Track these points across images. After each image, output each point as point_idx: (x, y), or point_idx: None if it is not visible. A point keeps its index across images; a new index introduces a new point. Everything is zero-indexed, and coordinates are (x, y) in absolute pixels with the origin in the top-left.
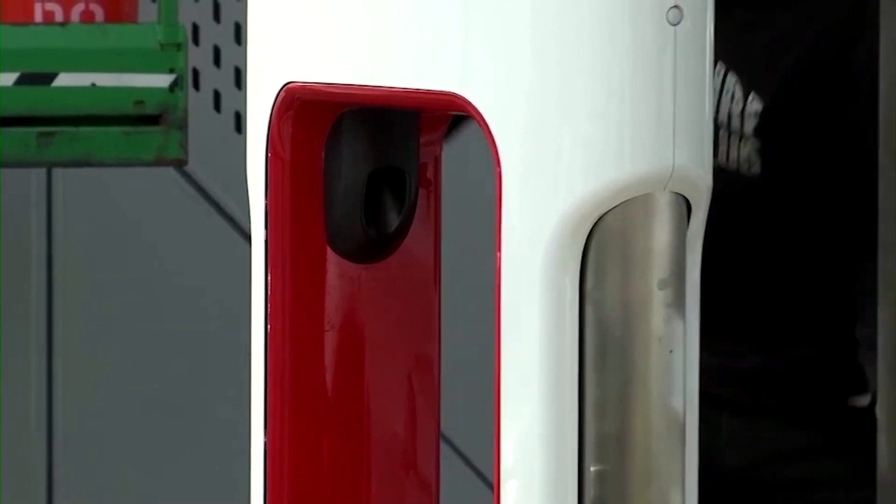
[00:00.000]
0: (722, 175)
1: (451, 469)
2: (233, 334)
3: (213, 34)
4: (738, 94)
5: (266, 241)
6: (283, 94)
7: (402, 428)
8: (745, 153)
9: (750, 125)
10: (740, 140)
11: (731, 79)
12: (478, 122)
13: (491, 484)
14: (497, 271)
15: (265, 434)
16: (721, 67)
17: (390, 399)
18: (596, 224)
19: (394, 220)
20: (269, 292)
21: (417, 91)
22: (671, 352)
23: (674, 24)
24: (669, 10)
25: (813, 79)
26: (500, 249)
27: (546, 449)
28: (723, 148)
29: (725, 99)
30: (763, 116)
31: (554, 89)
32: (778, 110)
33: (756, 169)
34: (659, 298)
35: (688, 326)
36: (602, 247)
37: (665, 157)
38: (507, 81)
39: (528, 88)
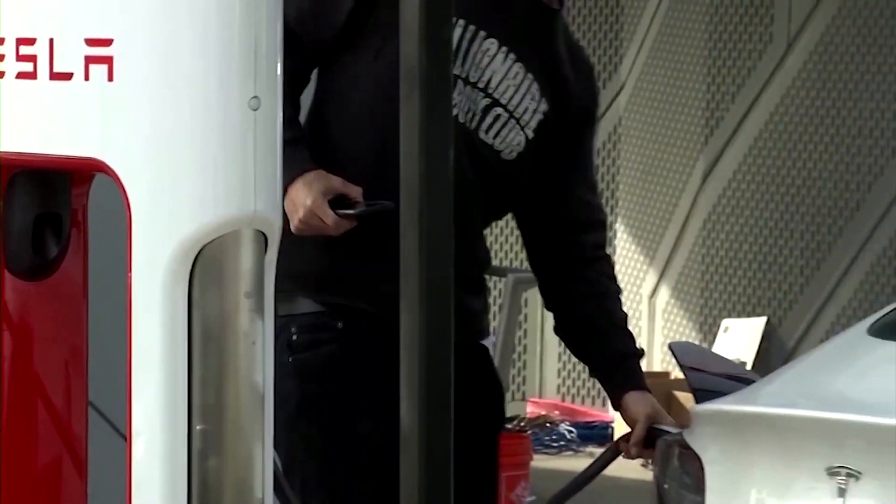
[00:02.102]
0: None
1: (97, 428)
2: None
3: None
4: (537, 95)
5: None
6: None
7: (60, 399)
8: (521, 139)
9: (535, 121)
10: (523, 129)
11: (535, 84)
12: (113, 179)
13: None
14: (129, 284)
15: None
16: (527, 72)
17: (52, 378)
18: (200, 251)
19: (53, 250)
20: None
21: (67, 157)
22: (254, 343)
23: (254, 110)
24: (251, 99)
25: None
26: (130, 269)
27: (164, 413)
28: (511, 132)
29: (527, 98)
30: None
31: (168, 158)
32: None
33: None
34: (245, 305)
35: (265, 325)
36: (205, 267)
37: (248, 204)
38: (135, 152)
39: (150, 157)
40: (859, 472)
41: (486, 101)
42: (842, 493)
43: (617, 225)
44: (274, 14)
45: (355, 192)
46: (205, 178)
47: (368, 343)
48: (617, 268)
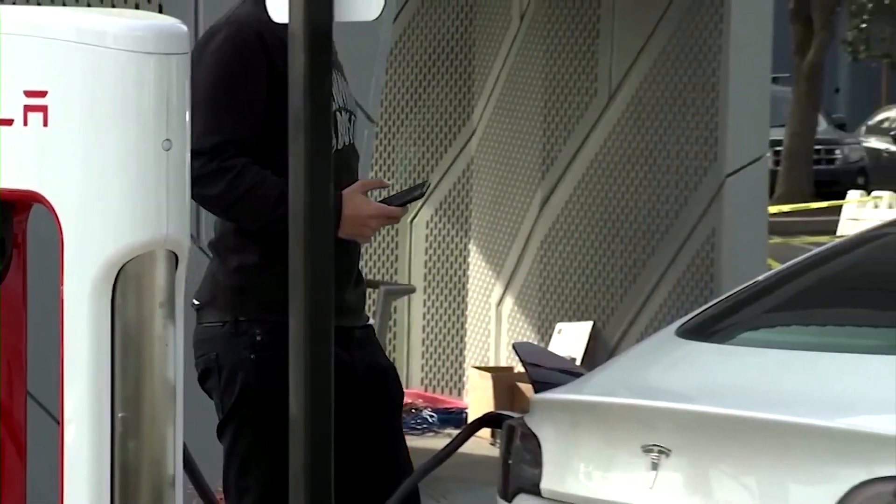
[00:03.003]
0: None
1: (35, 416)
2: None
3: None
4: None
5: None
6: None
7: (3, 392)
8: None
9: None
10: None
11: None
12: (47, 208)
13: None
14: (61, 296)
15: None
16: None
17: None
18: (121, 268)
19: None
20: None
21: (10, 189)
22: (166, 345)
23: (167, 150)
24: (163, 141)
25: None
26: (62, 283)
27: (91, 403)
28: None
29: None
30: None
31: (94, 191)
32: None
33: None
34: (159, 313)
35: (177, 330)
36: (125, 281)
37: (161, 229)
38: (66, 185)
39: (79, 189)
40: (669, 449)
41: (346, 115)
42: (655, 466)
43: (470, 245)
44: (183, 73)
45: (375, 183)
46: (124, 207)
47: None
48: (470, 281)
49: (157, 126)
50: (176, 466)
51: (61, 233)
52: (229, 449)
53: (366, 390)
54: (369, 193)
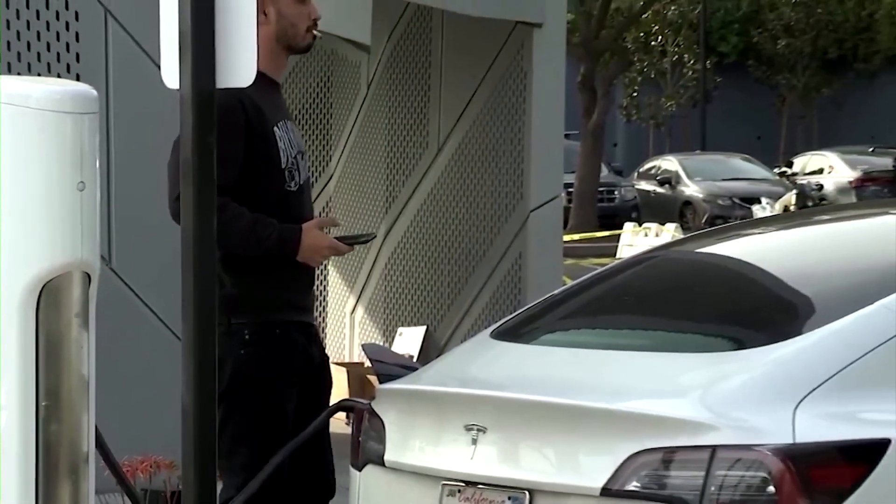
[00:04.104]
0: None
1: None
2: None
3: None
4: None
5: None
6: None
7: None
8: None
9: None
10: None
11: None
12: None
13: None
14: None
15: None
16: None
17: None
18: (44, 285)
19: None
20: None
21: None
22: (81, 347)
23: (81, 191)
24: (78, 182)
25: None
26: None
27: (20, 394)
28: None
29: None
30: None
31: (21, 223)
32: None
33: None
34: (75, 322)
35: (89, 335)
36: (48, 296)
37: (77, 254)
38: (1, 223)
39: (8, 221)
40: (485, 428)
41: (301, 157)
42: (474, 441)
43: (329, 265)
44: (94, 128)
45: (329, 221)
46: (46, 236)
47: (293, 344)
48: (329, 294)
49: (73, 171)
50: (89, 445)
51: None
52: (220, 428)
53: (317, 376)
54: (324, 229)
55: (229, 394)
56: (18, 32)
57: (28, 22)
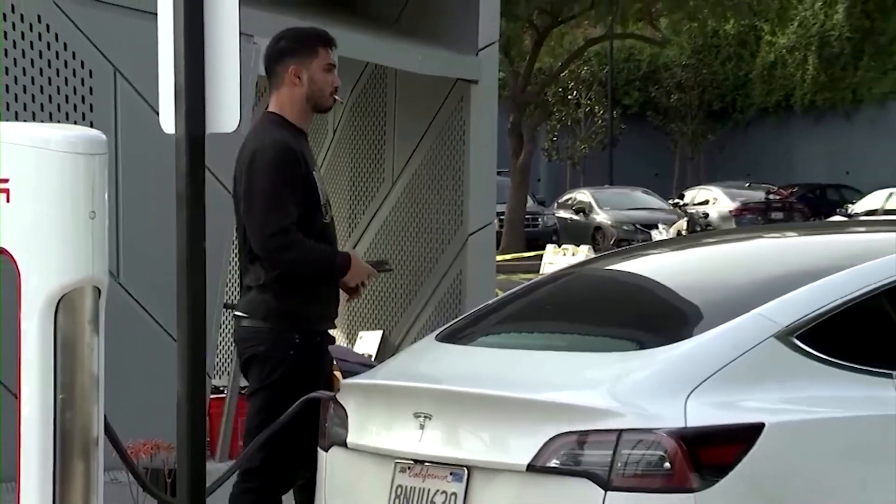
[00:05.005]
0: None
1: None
2: None
3: None
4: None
5: None
6: None
7: None
8: None
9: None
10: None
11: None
12: (9, 259)
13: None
14: (19, 317)
15: None
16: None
17: None
18: (61, 298)
19: None
20: None
21: None
22: (93, 350)
23: (92, 219)
24: (90, 212)
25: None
26: (20, 308)
27: (40, 388)
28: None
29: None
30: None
31: (42, 247)
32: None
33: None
34: (87, 328)
35: (99, 339)
36: (65, 306)
37: (88, 271)
38: (24, 243)
39: (31, 246)
40: (431, 415)
41: (328, 202)
42: (422, 427)
43: None
44: (103, 167)
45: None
46: (62, 256)
47: (325, 349)
48: None
49: (86, 202)
50: (98, 431)
51: (19, 276)
52: (257, 409)
53: (329, 373)
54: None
55: (274, 386)
56: (42, 87)
57: (49, 78)
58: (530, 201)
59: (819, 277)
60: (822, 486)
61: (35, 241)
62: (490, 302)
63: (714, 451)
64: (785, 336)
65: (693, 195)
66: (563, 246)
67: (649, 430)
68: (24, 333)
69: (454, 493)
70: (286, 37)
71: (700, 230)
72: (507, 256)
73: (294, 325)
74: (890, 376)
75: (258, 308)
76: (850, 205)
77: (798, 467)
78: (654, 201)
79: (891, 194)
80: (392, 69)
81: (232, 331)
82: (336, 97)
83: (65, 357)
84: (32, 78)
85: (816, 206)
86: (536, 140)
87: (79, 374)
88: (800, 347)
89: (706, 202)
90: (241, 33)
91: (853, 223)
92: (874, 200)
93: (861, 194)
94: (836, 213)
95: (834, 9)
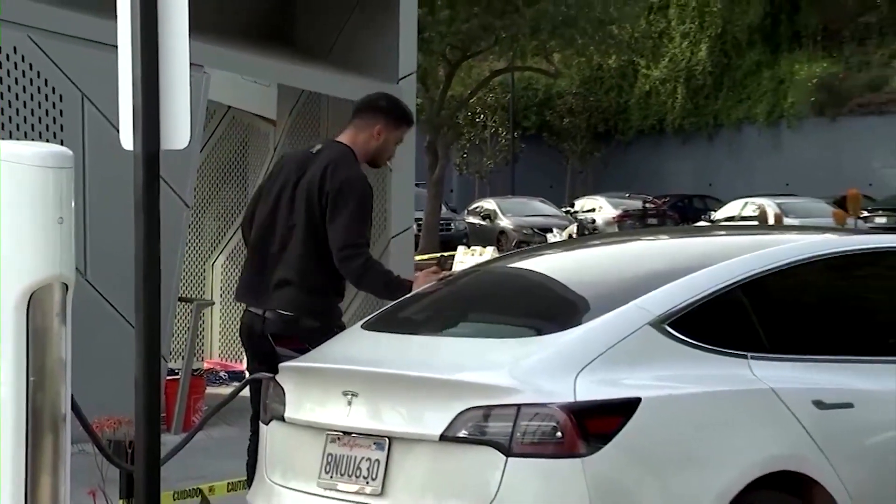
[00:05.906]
0: None
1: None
2: None
3: None
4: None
5: None
6: None
7: None
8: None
9: None
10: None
11: None
12: None
13: None
14: None
15: None
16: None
17: None
18: (33, 293)
19: None
20: None
21: None
22: (60, 338)
23: (60, 224)
24: (58, 218)
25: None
26: None
27: (14, 372)
28: None
29: None
30: None
31: (16, 248)
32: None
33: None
34: (56, 320)
35: (66, 329)
36: (36, 301)
37: (56, 270)
38: (1, 247)
39: (6, 248)
40: (357, 393)
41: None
42: (349, 403)
43: None
44: (70, 179)
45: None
46: (34, 257)
47: None
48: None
49: (55, 209)
50: (66, 408)
51: None
52: None
53: None
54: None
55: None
56: (17, 109)
57: (24, 102)
58: (444, 209)
59: (687, 274)
60: (689, 450)
61: (9, 244)
62: (408, 296)
63: (599, 421)
64: (658, 324)
65: (582, 204)
66: (472, 247)
67: (544, 405)
68: (1, 325)
69: (377, 460)
70: (389, 101)
71: (588, 234)
72: (425, 256)
73: (329, 320)
74: (745, 357)
75: (301, 310)
76: (712, 212)
77: (669, 434)
78: (549, 209)
79: (745, 203)
80: (325, 95)
81: (228, 320)
82: (388, 164)
83: (36, 344)
84: (9, 101)
85: (685, 213)
86: (449, 156)
87: (48, 359)
88: (671, 333)
89: (593, 210)
90: (191, 63)
91: (715, 228)
92: (732, 208)
93: (721, 203)
94: (701, 219)
95: (699, 47)
